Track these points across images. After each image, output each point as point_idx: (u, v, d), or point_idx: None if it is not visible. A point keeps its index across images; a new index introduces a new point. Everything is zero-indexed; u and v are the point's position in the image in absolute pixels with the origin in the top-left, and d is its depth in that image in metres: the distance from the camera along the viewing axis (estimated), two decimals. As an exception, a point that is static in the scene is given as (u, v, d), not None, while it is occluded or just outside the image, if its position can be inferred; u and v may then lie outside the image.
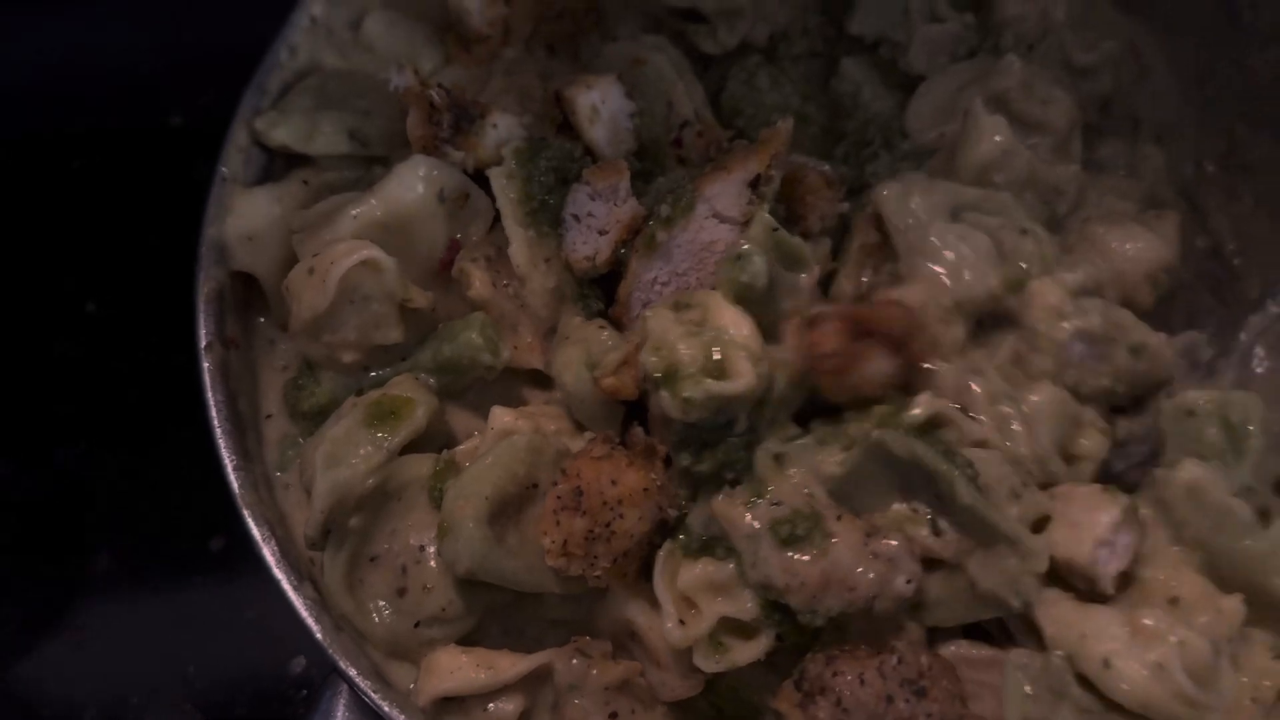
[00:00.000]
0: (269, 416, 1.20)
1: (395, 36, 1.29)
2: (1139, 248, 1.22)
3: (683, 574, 1.06)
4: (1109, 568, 1.04)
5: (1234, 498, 1.07)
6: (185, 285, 1.19)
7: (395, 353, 1.16)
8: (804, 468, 1.05)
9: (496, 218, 1.19)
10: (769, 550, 1.02)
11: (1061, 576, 1.06)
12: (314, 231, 1.16)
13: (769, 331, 1.07)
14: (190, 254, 1.20)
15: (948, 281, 1.13)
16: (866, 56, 1.33)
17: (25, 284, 1.59)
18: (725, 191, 1.12)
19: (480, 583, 1.06)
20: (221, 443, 1.13)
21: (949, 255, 1.13)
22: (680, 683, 1.09)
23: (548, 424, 1.15)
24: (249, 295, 1.23)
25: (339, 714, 1.14)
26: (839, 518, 1.03)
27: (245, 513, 1.11)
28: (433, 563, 1.09)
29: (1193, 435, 1.12)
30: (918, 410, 1.04)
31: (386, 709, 1.06)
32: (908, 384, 1.08)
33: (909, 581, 1.01)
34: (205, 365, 1.15)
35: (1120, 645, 1.01)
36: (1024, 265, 1.15)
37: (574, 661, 1.07)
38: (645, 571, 1.09)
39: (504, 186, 1.17)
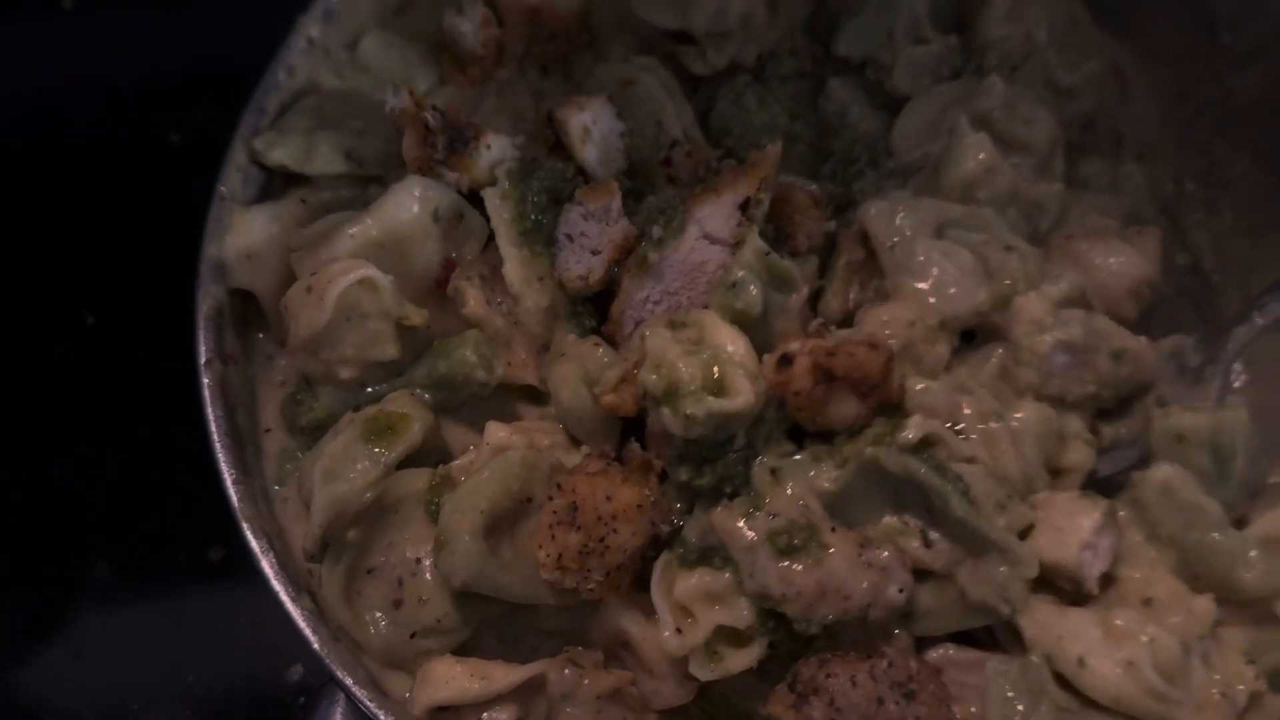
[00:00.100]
0: (267, 431, 1.21)
1: (391, 57, 1.30)
2: (1121, 262, 1.23)
3: (680, 584, 1.07)
4: (1093, 569, 1.08)
5: (1205, 495, 1.11)
6: (182, 296, 1.20)
7: (392, 369, 1.16)
8: (800, 482, 1.07)
9: (491, 237, 1.19)
10: (766, 561, 1.03)
11: (1046, 580, 1.08)
12: (312, 250, 1.17)
13: (760, 350, 1.08)
14: (186, 266, 1.20)
15: (933, 299, 1.14)
16: (853, 77, 1.34)
17: (25, 292, 1.59)
18: (716, 213, 1.13)
19: (475, 594, 1.07)
20: (221, 457, 1.14)
21: (934, 272, 1.15)
22: (674, 691, 1.11)
23: (542, 439, 1.15)
24: (248, 312, 1.23)
25: (336, 722, 1.14)
26: (834, 529, 1.05)
27: (244, 526, 1.11)
28: (429, 575, 1.09)
29: (1184, 459, 1.14)
30: (910, 433, 1.05)
31: (383, 718, 1.06)
32: (899, 404, 1.10)
33: (901, 590, 1.04)
34: (205, 381, 1.16)
35: (1094, 645, 1.04)
36: (1009, 282, 1.16)
37: (566, 671, 1.08)
38: (638, 583, 1.10)
39: (498, 207, 1.18)
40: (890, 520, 1.07)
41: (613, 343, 1.17)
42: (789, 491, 1.06)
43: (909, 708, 1.01)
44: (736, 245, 1.12)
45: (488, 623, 1.12)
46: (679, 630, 1.06)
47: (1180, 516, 1.11)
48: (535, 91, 1.31)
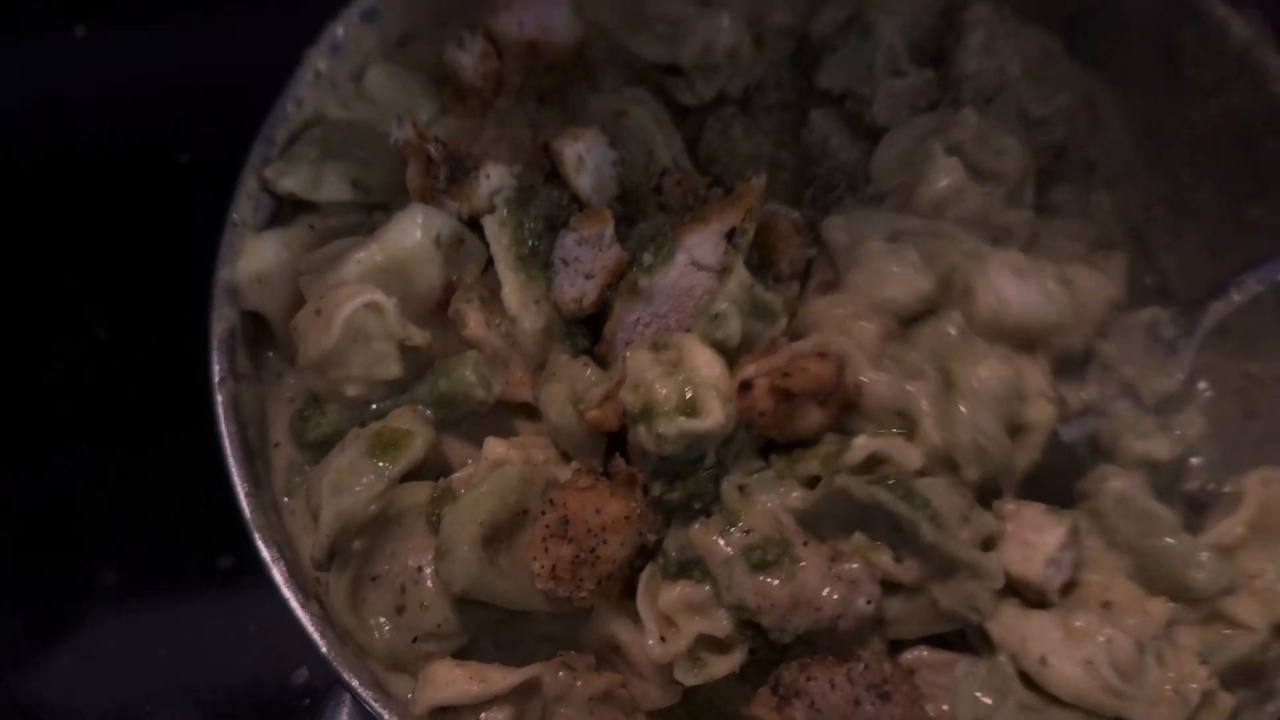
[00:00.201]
0: (277, 445, 1.22)
1: (394, 88, 1.31)
2: (1088, 284, 1.25)
3: (663, 595, 1.10)
4: (1055, 582, 1.11)
5: (1159, 504, 1.15)
6: (188, 310, 1.22)
7: (395, 387, 1.17)
8: (771, 497, 1.10)
9: (489, 261, 1.21)
10: (742, 575, 1.06)
11: (1013, 588, 1.12)
12: (320, 274, 1.18)
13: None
14: (193, 282, 1.22)
15: (875, 289, 1.17)
16: (834, 108, 1.34)
17: (35, 304, 1.60)
18: (703, 241, 1.15)
19: (474, 601, 1.09)
20: (234, 470, 1.15)
21: (879, 264, 1.17)
22: (661, 693, 1.13)
23: (537, 454, 1.17)
24: (258, 332, 1.24)
25: (342, 722, 1.17)
26: (805, 544, 1.08)
27: (256, 536, 1.12)
28: (430, 583, 1.11)
29: (1149, 475, 1.19)
30: (855, 454, 1.08)
31: (387, 717, 1.08)
32: (851, 405, 1.12)
33: (869, 602, 1.07)
34: (219, 399, 1.17)
35: (1055, 645, 1.08)
36: (954, 262, 1.18)
37: (560, 674, 1.10)
38: (628, 591, 1.12)
39: (496, 233, 1.19)
40: (860, 537, 1.09)
41: (604, 363, 1.19)
42: (760, 507, 1.09)
43: (884, 708, 1.04)
44: (723, 272, 1.15)
45: (485, 628, 1.14)
46: (663, 639, 1.08)
47: (1136, 524, 1.14)
48: (532, 121, 1.33)
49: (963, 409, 1.12)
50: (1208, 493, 1.26)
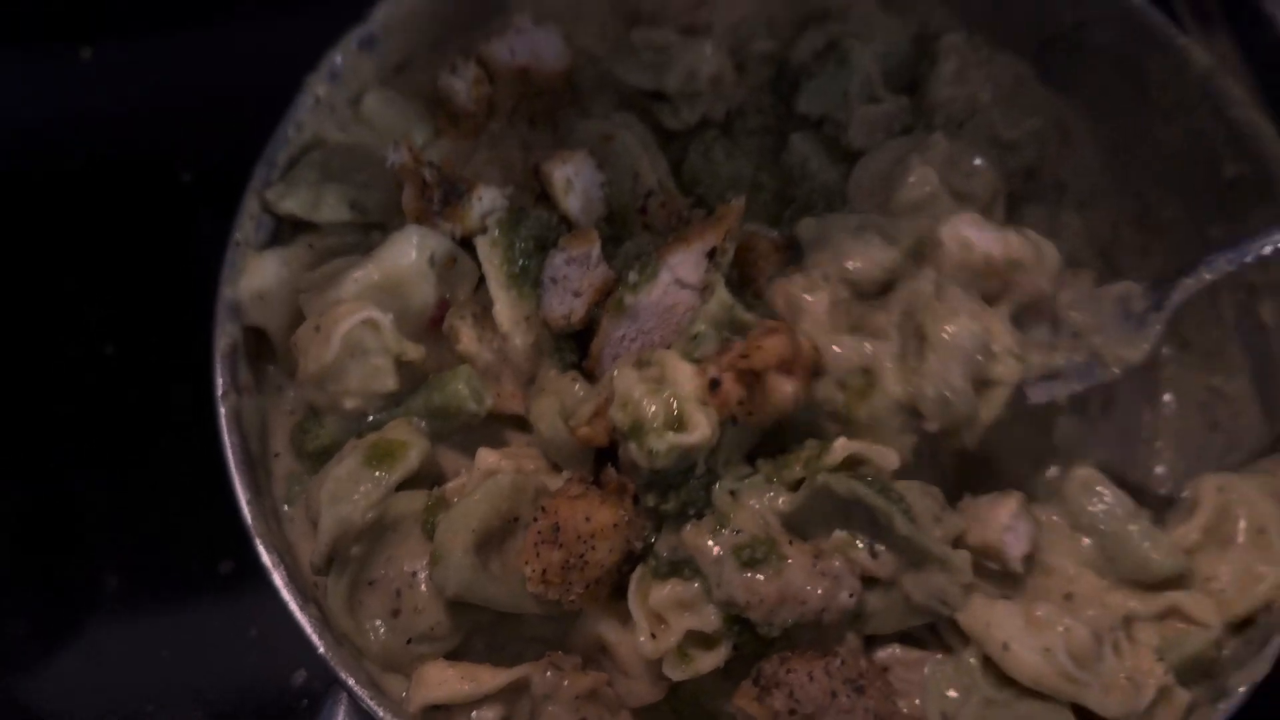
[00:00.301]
0: (277, 455, 1.23)
1: (391, 113, 1.32)
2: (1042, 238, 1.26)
3: (653, 594, 1.11)
4: (1015, 550, 1.15)
5: (1121, 490, 1.20)
6: (194, 323, 1.23)
7: (391, 400, 1.18)
8: (758, 500, 1.13)
9: (481, 280, 1.23)
10: (732, 572, 1.08)
11: (980, 565, 1.16)
12: (319, 291, 1.20)
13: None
14: (196, 298, 1.23)
15: (837, 264, 1.19)
16: (813, 132, 1.36)
17: (39, 317, 1.61)
18: (686, 260, 1.17)
19: (466, 604, 1.10)
20: (236, 479, 1.15)
21: (838, 242, 1.20)
22: (647, 690, 1.14)
23: (528, 464, 1.19)
24: (259, 347, 1.25)
25: (340, 720, 1.18)
26: (791, 543, 1.10)
27: (257, 542, 1.13)
28: (424, 587, 1.12)
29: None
30: (834, 456, 1.11)
31: (382, 715, 1.09)
32: (819, 370, 1.15)
33: (851, 596, 1.09)
34: (221, 410, 1.18)
35: (1017, 632, 1.11)
36: (919, 232, 1.20)
37: (548, 674, 1.11)
38: (615, 594, 1.13)
39: (488, 253, 1.21)
40: (840, 534, 1.12)
41: (591, 377, 1.20)
42: (749, 509, 1.12)
43: (859, 700, 1.07)
44: (705, 289, 1.17)
45: (477, 630, 1.15)
46: (653, 635, 1.10)
47: (1100, 506, 1.18)
48: (524, 144, 1.35)
49: (932, 361, 1.14)
50: (1167, 500, 1.29)
